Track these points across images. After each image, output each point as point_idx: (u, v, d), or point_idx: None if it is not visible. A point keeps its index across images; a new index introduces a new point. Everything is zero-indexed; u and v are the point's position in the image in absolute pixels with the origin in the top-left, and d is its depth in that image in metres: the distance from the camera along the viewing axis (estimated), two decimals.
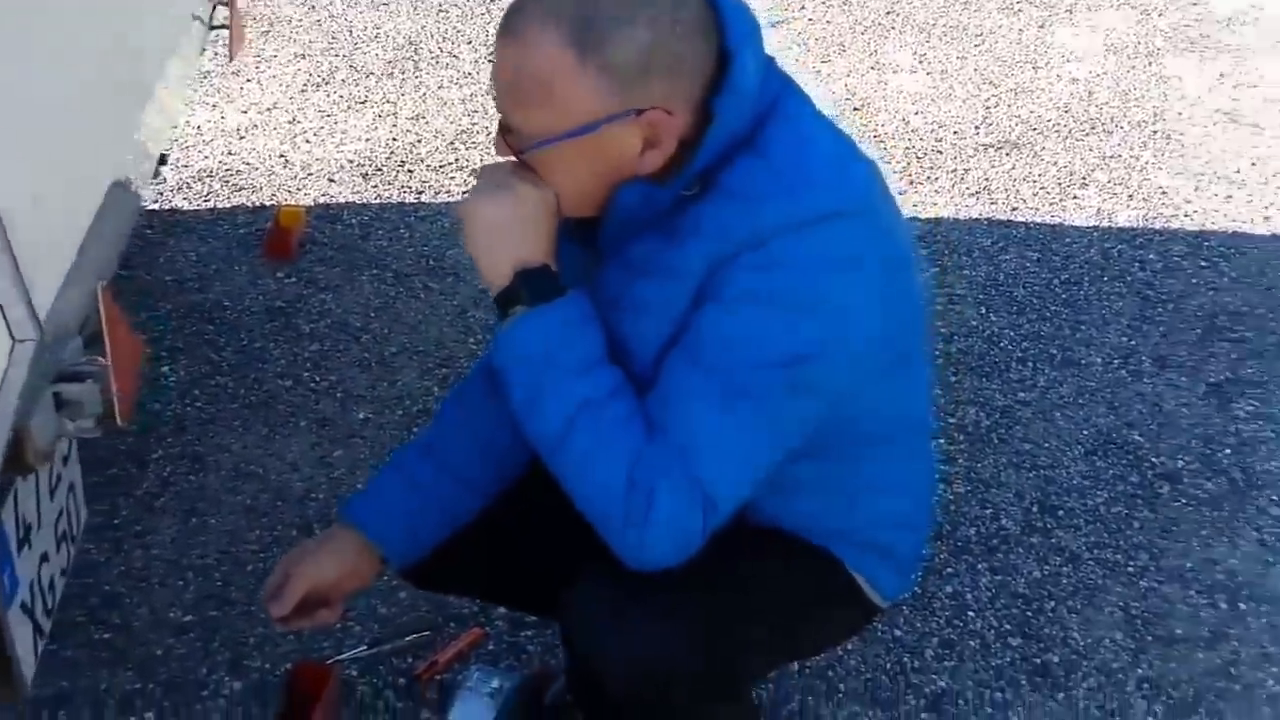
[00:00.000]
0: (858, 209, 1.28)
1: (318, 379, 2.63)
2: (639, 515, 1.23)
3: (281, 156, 3.48)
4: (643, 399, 1.28)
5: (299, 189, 3.33)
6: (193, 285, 2.98)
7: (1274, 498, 2.33)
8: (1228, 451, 2.45)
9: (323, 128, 3.61)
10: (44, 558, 1.40)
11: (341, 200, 3.31)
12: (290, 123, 3.63)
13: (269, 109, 3.69)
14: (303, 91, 3.78)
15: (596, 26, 1.17)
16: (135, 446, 2.38)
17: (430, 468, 1.53)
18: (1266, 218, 3.23)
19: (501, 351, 1.28)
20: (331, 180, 3.37)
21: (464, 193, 2.95)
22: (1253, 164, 3.46)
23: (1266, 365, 2.70)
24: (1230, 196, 3.32)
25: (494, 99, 1.26)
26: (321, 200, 3.28)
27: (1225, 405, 2.58)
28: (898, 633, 2.02)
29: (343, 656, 1.90)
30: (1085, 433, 2.51)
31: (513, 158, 1.28)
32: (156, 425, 2.45)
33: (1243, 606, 2.10)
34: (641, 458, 1.23)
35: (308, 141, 3.55)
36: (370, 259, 3.04)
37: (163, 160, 2.85)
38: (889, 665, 1.96)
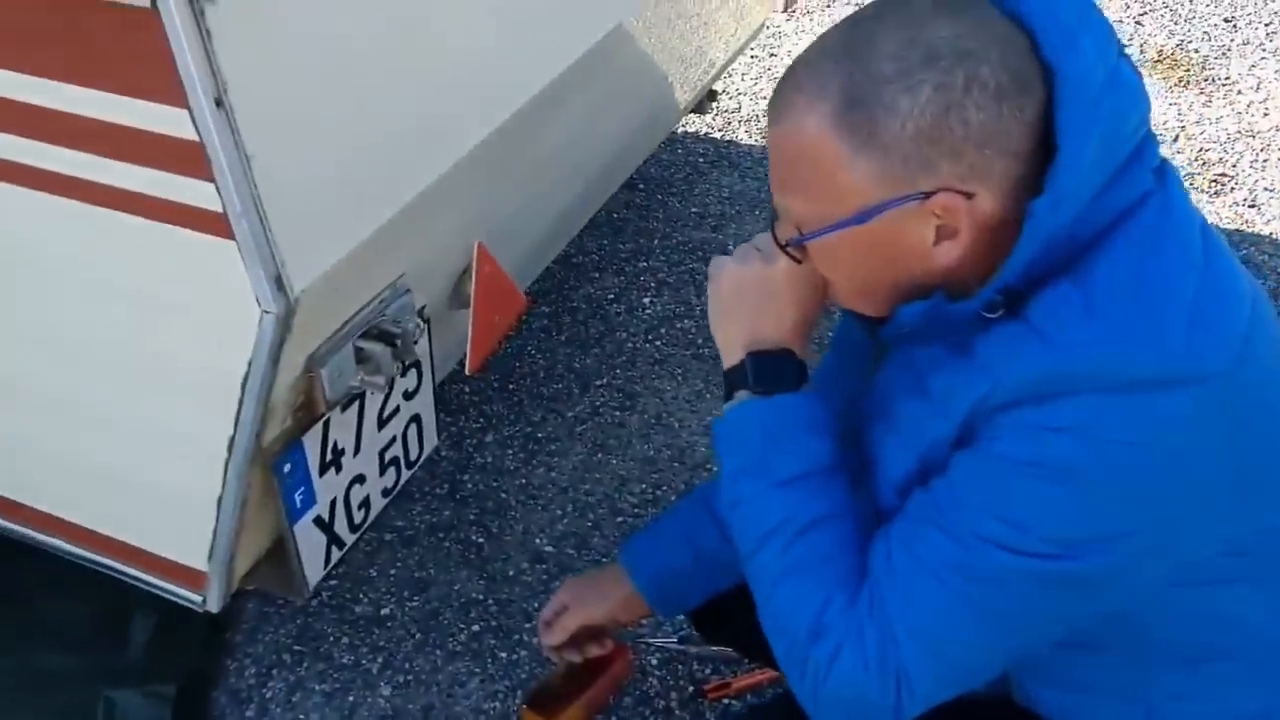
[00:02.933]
0: (1204, 376, 0.94)
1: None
2: (818, 671, 1.04)
3: None
4: (870, 532, 1.08)
5: None
6: (710, 222, 3.07)
7: None
8: None
9: None
10: (358, 479, 1.54)
11: None
12: None
13: None
14: None
15: (868, 99, 0.94)
16: (584, 370, 2.54)
17: (708, 521, 1.44)
18: None
19: (715, 436, 1.14)
20: None
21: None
22: None
23: None
24: None
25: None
26: None
27: None
28: None
29: (652, 641, 1.90)
30: None
31: None
32: (614, 354, 2.59)
33: None
34: (833, 607, 1.04)
35: None
36: None
37: (712, 96, 2.95)
38: None
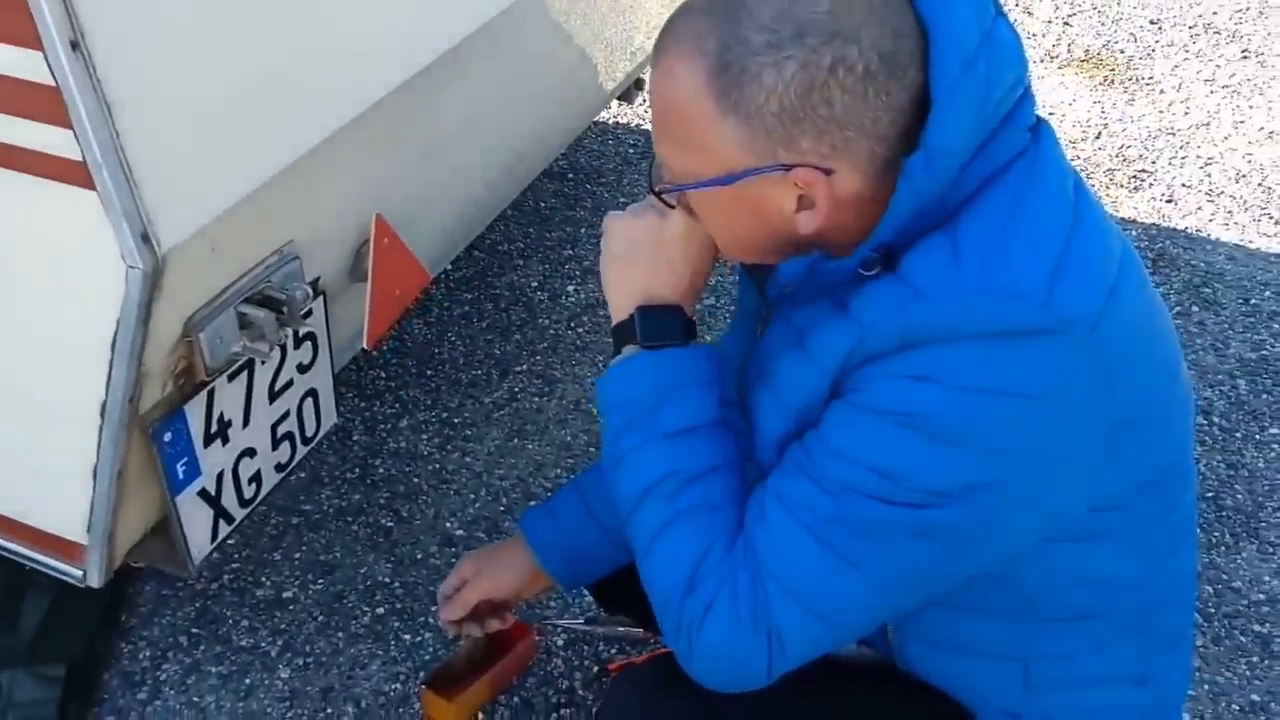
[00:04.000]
0: (1064, 328, 0.94)
1: (708, 338, 2.58)
2: (692, 623, 1.04)
3: None
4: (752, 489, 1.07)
5: None
6: None
7: None
8: None
9: None
10: (248, 452, 1.50)
11: None
12: None
13: None
14: None
15: (735, 66, 0.94)
16: (504, 356, 2.51)
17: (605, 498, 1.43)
18: None
19: (599, 391, 1.13)
20: None
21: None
22: None
23: None
24: None
25: None
26: None
27: None
28: None
29: (558, 622, 1.88)
30: None
31: None
32: (535, 341, 2.57)
33: None
34: (710, 559, 1.03)
35: None
36: None
37: (640, 85, 2.94)
38: None
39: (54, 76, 1.00)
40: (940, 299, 0.95)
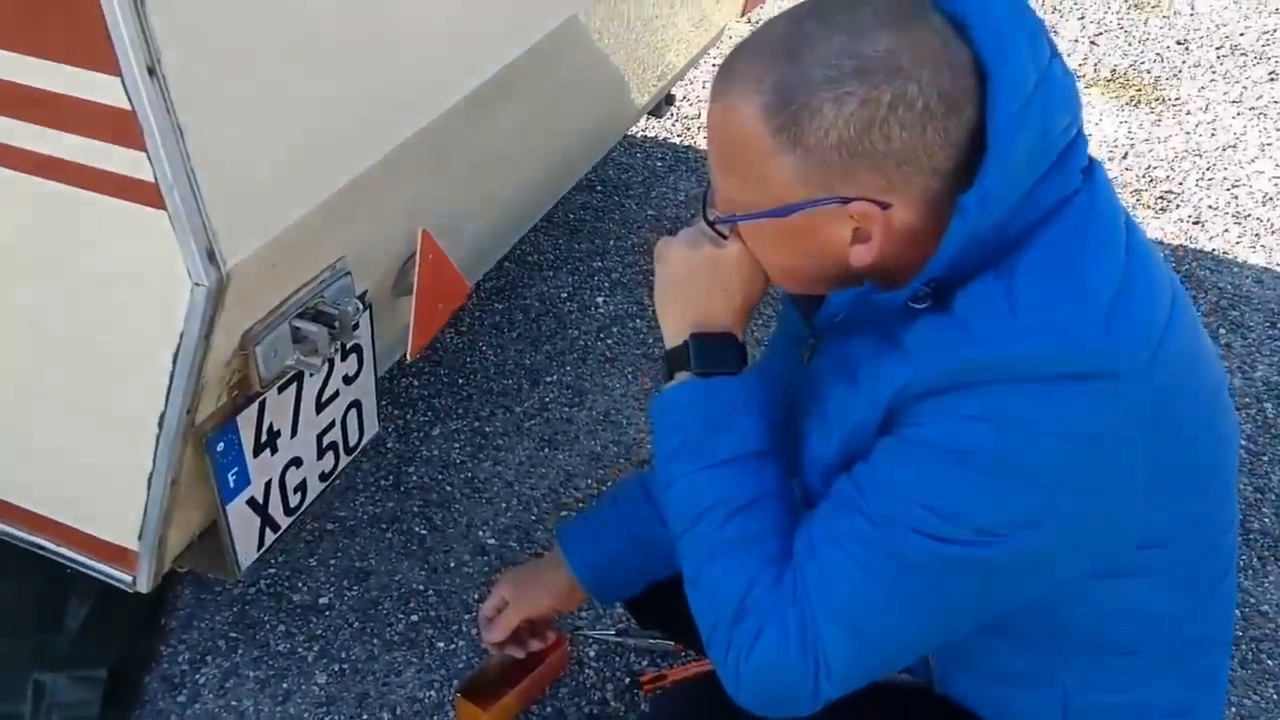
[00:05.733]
0: (1118, 371, 0.96)
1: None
2: (740, 650, 1.06)
3: None
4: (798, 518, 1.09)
5: None
6: (666, 225, 3.08)
7: None
8: None
9: None
10: (295, 462, 1.53)
11: None
12: None
13: None
14: None
15: (797, 100, 0.96)
16: (534, 367, 2.54)
17: (646, 509, 1.45)
18: None
19: (653, 414, 1.15)
20: None
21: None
22: None
23: None
24: None
25: None
26: None
27: None
28: None
29: (590, 633, 1.91)
30: None
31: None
32: (565, 352, 2.60)
33: None
34: (757, 590, 1.05)
35: None
36: None
37: (670, 100, 2.97)
38: None
39: (130, 101, 1.03)
40: (995, 341, 0.97)
